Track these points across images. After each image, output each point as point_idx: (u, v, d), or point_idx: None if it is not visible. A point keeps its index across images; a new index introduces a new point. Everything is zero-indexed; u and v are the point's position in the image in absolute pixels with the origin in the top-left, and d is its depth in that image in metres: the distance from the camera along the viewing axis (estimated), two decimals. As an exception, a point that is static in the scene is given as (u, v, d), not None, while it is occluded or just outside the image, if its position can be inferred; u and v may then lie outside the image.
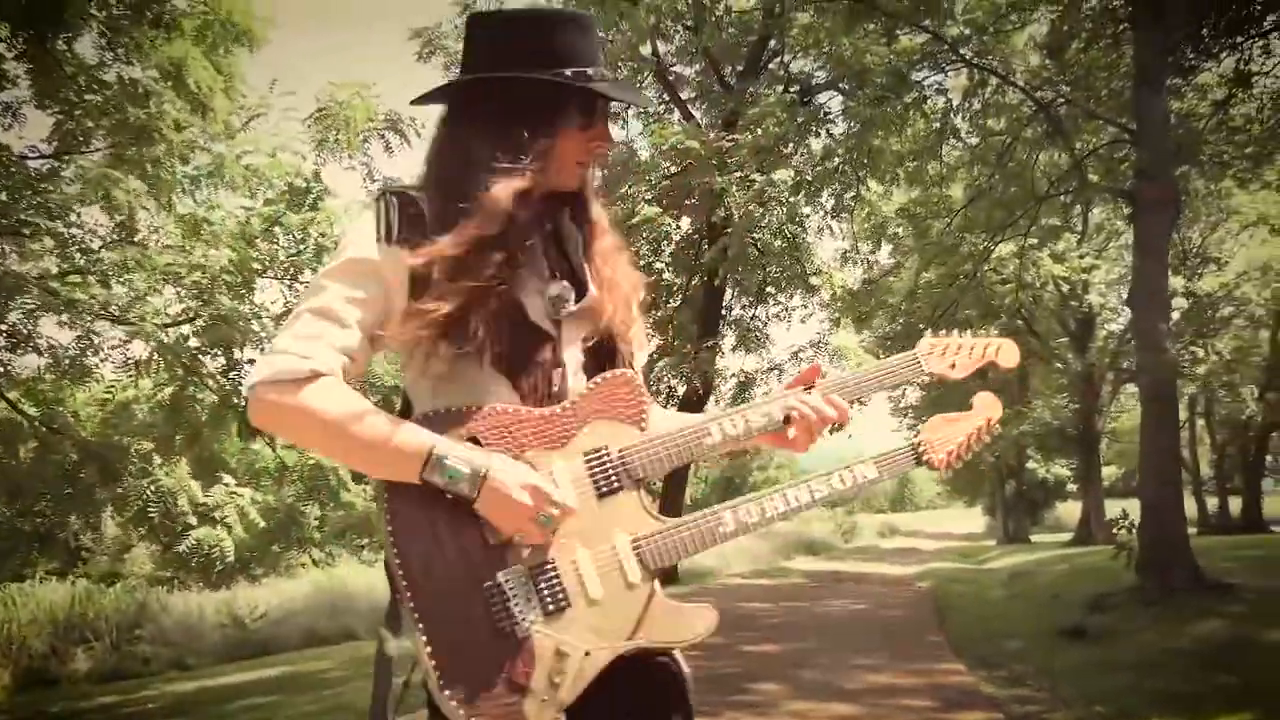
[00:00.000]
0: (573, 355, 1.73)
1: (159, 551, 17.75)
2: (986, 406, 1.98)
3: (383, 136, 10.36)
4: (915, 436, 1.93)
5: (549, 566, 1.57)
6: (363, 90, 10.04)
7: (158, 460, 11.43)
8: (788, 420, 1.81)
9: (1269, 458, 33.50)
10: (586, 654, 1.55)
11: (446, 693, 1.50)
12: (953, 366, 2.00)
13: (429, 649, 1.51)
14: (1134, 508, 11.03)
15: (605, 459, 1.65)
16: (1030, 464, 34.38)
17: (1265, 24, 12.12)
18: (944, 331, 2.05)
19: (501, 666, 1.52)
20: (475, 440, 1.58)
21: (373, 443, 1.54)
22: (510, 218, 1.62)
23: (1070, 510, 37.06)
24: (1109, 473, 37.16)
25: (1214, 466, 32.57)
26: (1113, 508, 18.75)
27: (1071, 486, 36.11)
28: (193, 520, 12.52)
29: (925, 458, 1.90)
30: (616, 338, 1.78)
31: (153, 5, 9.78)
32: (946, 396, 30.20)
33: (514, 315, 1.63)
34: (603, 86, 1.71)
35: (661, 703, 1.70)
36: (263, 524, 14.91)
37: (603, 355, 1.76)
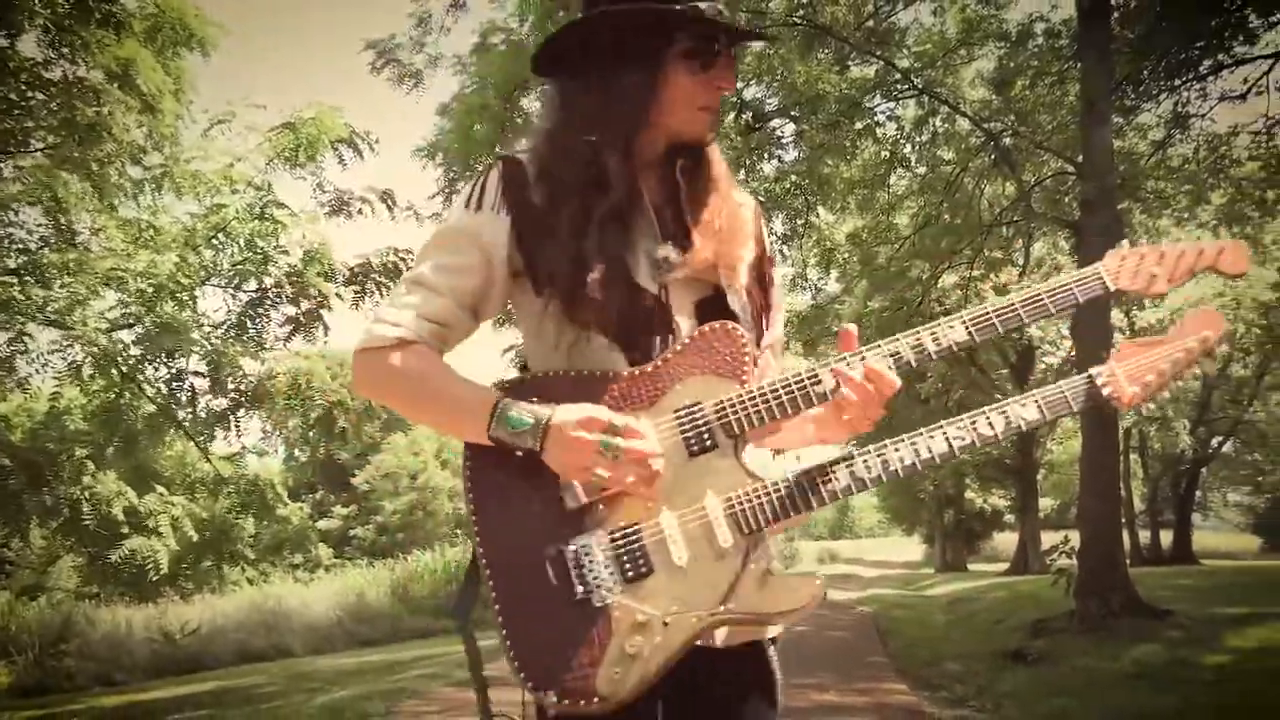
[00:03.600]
0: (686, 320, 1.62)
1: (86, 564, 17.29)
2: (1203, 322, 1.55)
3: (335, 149, 10.29)
4: (1098, 372, 1.55)
5: (631, 530, 1.48)
6: (329, 112, 9.97)
7: (91, 468, 11.11)
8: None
9: (1199, 492, 34.25)
10: (666, 624, 1.43)
11: (515, 660, 1.44)
12: (1150, 281, 1.58)
13: (500, 616, 1.46)
14: (1071, 538, 11.20)
15: (698, 414, 1.52)
16: (968, 494, 34.81)
17: (1202, 68, 12.46)
18: (1131, 242, 1.64)
19: (574, 636, 1.44)
20: (544, 401, 1.50)
21: (445, 402, 1.54)
22: (617, 171, 1.57)
23: (1007, 540, 37.56)
24: (1046, 504, 37.73)
25: (1146, 500, 33.23)
26: (1049, 539, 19.02)
27: (1009, 517, 36.61)
28: (125, 530, 12.18)
29: (1108, 391, 1.54)
30: (726, 289, 1.64)
31: (101, 4, 9.61)
32: (893, 421, 30.74)
33: (621, 279, 1.56)
34: (711, 13, 1.59)
35: (753, 698, 1.63)
36: (195, 536, 14.57)
37: (714, 313, 1.62)
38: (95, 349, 9.13)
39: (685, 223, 1.64)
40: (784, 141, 15.21)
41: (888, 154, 15.11)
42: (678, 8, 1.58)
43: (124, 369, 9.60)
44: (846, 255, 17.48)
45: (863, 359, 1.55)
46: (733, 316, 1.61)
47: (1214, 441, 30.04)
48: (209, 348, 9.75)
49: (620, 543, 1.47)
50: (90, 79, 9.57)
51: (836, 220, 17.04)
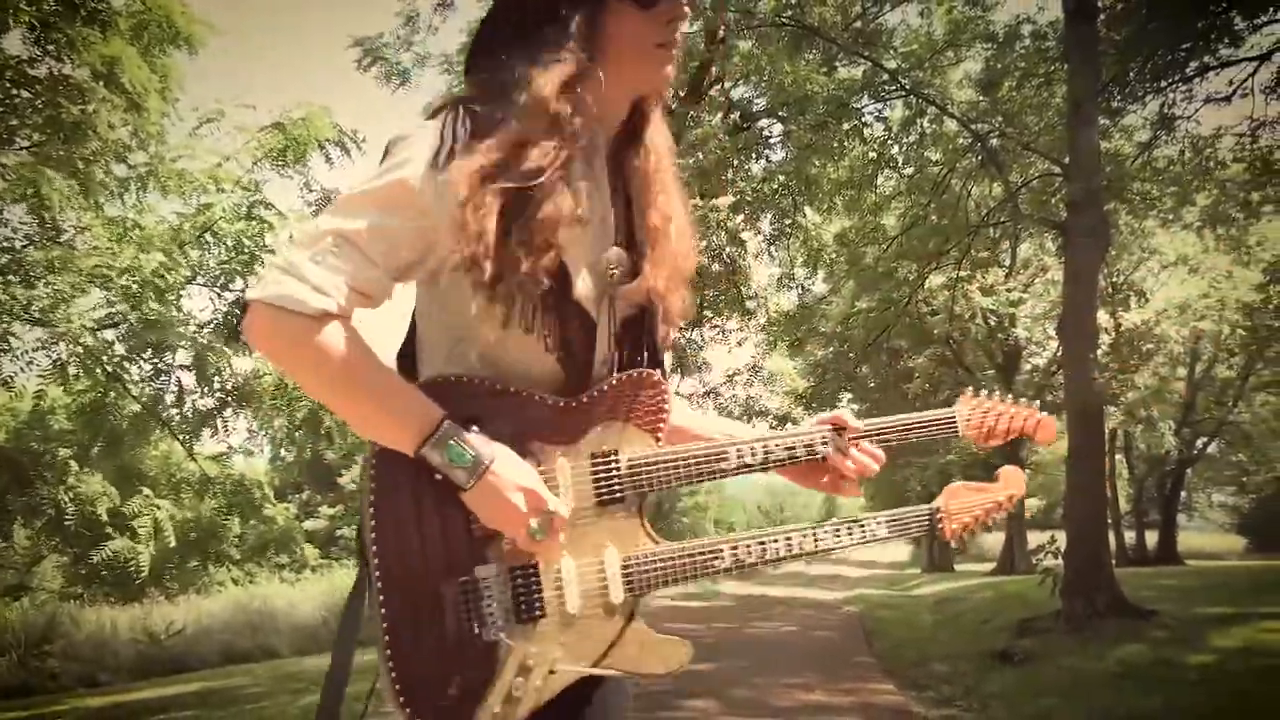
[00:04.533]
0: (609, 334, 1.55)
1: (70, 564, 17.21)
2: (1011, 481, 1.87)
3: (322, 148, 10.25)
4: (936, 505, 1.82)
5: (531, 571, 1.44)
6: (318, 112, 9.93)
7: (75, 467, 11.06)
8: (824, 460, 1.71)
9: (1184, 492, 34.42)
10: (551, 672, 1.42)
11: (396, 685, 1.38)
12: (987, 436, 1.88)
13: (386, 635, 1.39)
14: (1057, 539, 11.24)
15: (613, 466, 1.51)
16: (955, 494, 34.85)
17: (1188, 70, 12.53)
18: (984, 392, 1.92)
19: (459, 668, 1.40)
20: (476, 420, 1.43)
21: (374, 403, 1.40)
22: (555, 114, 1.41)
23: (993, 540, 37.64)
24: (1032, 504, 37.85)
25: (1131, 501, 33.37)
26: (1035, 539, 19.10)
27: (994, 517, 36.69)
28: (110, 530, 12.12)
29: (940, 526, 1.79)
30: (657, 316, 1.59)
31: (87, 2, 9.56)
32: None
33: (554, 275, 1.44)
34: None
35: (613, 688, 1.60)
36: (177, 540, 14.50)
37: (637, 338, 1.58)
38: (80, 348, 9.08)
39: (634, 225, 1.58)
40: (771, 141, 15.24)
41: (875, 154, 15.15)
42: None
43: (109, 368, 9.55)
44: (834, 255, 17.52)
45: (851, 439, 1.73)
46: (655, 339, 1.60)
47: (1199, 442, 30.19)
48: (196, 343, 9.70)
49: (520, 581, 1.44)
50: (76, 77, 9.52)
51: (824, 220, 17.07)
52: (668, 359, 1.71)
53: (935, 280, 17.56)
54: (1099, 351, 12.81)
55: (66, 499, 10.87)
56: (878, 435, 1.76)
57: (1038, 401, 1.97)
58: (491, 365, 1.47)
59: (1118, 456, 31.82)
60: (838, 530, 1.69)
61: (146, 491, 13.04)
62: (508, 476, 1.39)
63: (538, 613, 1.44)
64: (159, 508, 13.11)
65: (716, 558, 1.58)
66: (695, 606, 17.72)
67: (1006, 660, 8.91)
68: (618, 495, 1.51)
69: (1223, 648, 8.27)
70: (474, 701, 1.39)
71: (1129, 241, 22.30)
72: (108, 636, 14.63)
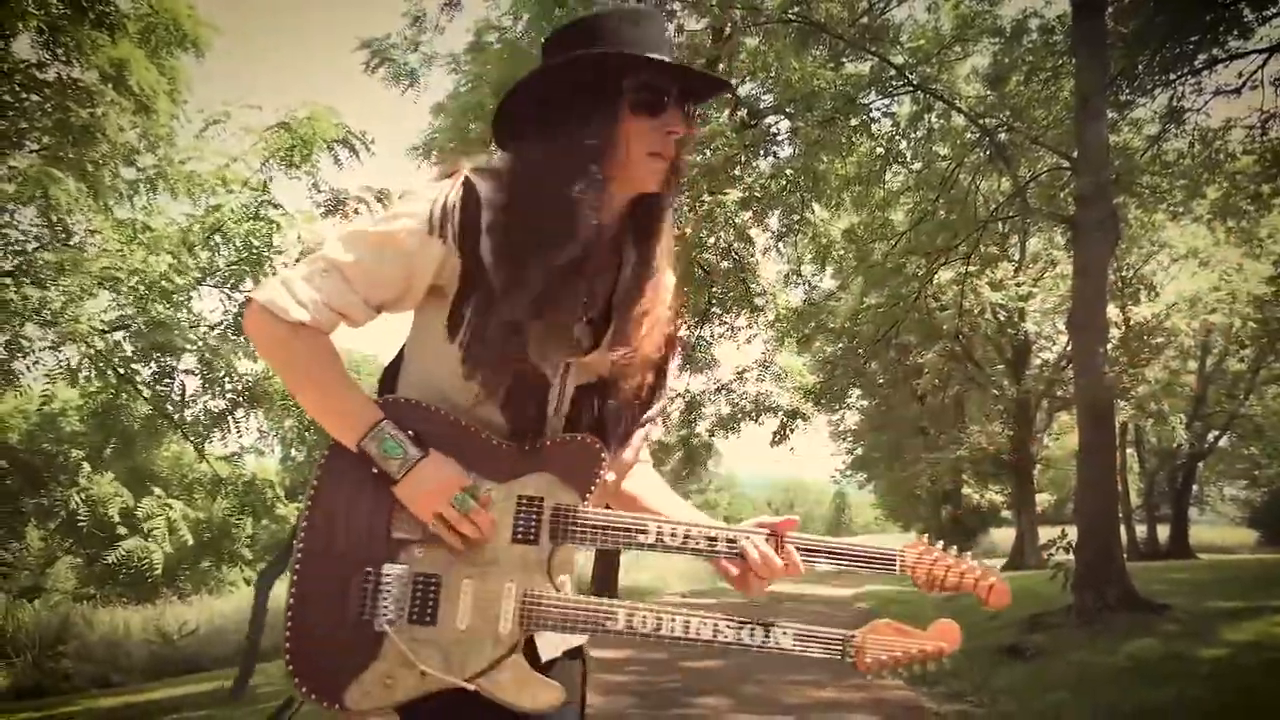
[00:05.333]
0: (563, 394, 1.71)
1: (84, 566, 17.30)
2: (944, 635, 1.78)
3: (331, 149, 10.29)
4: (854, 634, 1.76)
5: (434, 580, 1.58)
6: (324, 113, 9.97)
7: (87, 469, 11.12)
8: (743, 555, 1.72)
9: (1195, 486, 34.31)
10: (423, 674, 1.54)
11: (288, 643, 1.55)
12: (931, 584, 1.81)
13: (292, 599, 1.57)
14: (1068, 533, 11.21)
15: (536, 509, 1.63)
16: (965, 489, 34.85)
17: (1197, 62, 12.46)
18: (940, 543, 1.85)
19: (345, 646, 1.55)
20: (422, 436, 1.60)
21: (329, 396, 1.63)
22: (556, 219, 1.58)
23: (1004, 536, 37.57)
24: (1042, 499, 37.75)
25: (1143, 494, 33.27)
26: (1046, 534, 19.08)
27: (1006, 513, 36.65)
28: (122, 531, 12.19)
29: (852, 657, 1.74)
30: (613, 392, 1.73)
31: (96, 6, 9.60)
32: (886, 415, 30.61)
33: (522, 351, 1.61)
34: (639, 55, 1.60)
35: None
36: (191, 540, 14.58)
37: (589, 399, 1.72)
38: (92, 350, 9.14)
39: (610, 307, 1.71)
40: (779, 138, 15.21)
41: (883, 150, 15.10)
42: (620, 51, 1.60)
43: (119, 370, 9.60)
44: (842, 251, 17.49)
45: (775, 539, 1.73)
46: (606, 409, 1.72)
47: (1210, 436, 30.10)
48: (203, 345, 9.75)
49: (419, 586, 1.58)
50: (84, 80, 9.57)
51: (832, 216, 17.05)
52: (640, 432, 1.83)
53: (944, 275, 17.52)
54: (1109, 346, 12.74)
55: (79, 500, 10.94)
56: (813, 552, 1.78)
57: (995, 565, 1.89)
58: (453, 406, 1.65)
59: (1129, 451, 31.76)
60: (740, 628, 1.69)
61: (159, 492, 13.14)
62: (436, 468, 1.57)
63: (428, 618, 1.57)
64: (171, 508, 13.19)
65: (610, 619, 1.64)
66: (705, 603, 17.73)
67: (1017, 655, 8.90)
68: (532, 538, 1.62)
69: (1234, 641, 8.25)
70: (350, 678, 1.54)
71: (1138, 235, 22.23)
72: (121, 637, 14.70)
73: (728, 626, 1.69)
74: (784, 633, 1.72)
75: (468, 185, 1.61)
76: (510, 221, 1.59)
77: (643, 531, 1.68)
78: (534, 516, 1.63)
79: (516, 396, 1.64)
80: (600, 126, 1.60)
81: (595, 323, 1.70)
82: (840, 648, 1.74)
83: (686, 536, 1.70)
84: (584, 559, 15.41)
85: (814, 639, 1.74)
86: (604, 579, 15.75)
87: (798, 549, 1.75)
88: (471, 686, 1.55)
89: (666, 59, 1.62)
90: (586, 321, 1.69)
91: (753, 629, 1.70)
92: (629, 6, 1.69)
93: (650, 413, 1.85)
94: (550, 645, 1.71)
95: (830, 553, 1.79)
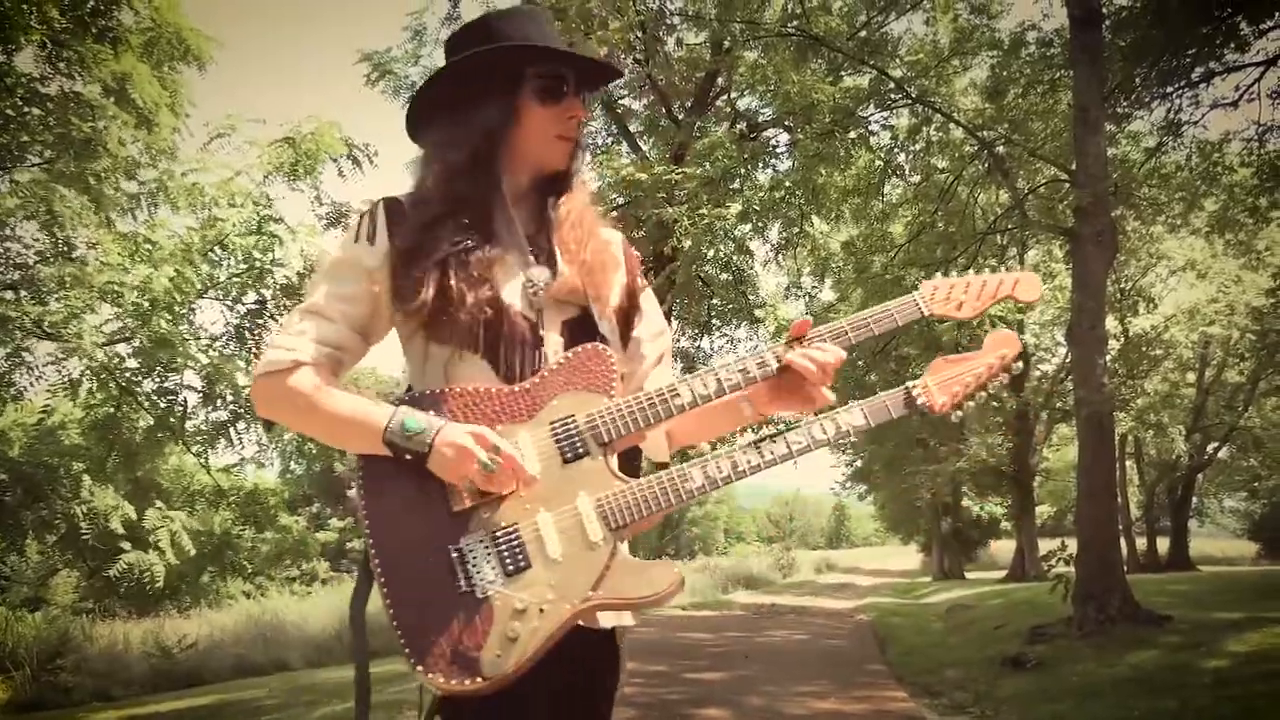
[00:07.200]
0: (555, 338, 1.77)
1: (83, 578, 17.26)
2: (1000, 342, 1.77)
3: (334, 160, 10.31)
4: (914, 384, 1.75)
5: (511, 529, 1.61)
6: (328, 127, 10.00)
7: (88, 481, 11.10)
8: (785, 369, 1.75)
9: (1195, 498, 34.29)
10: (541, 610, 1.57)
11: (406, 650, 1.55)
12: (959, 307, 1.81)
13: (391, 611, 1.57)
14: (1069, 545, 11.22)
15: (571, 426, 1.68)
16: (965, 501, 34.85)
17: (1194, 75, 12.52)
18: (954, 273, 1.87)
19: (460, 624, 1.56)
20: (436, 414, 1.65)
21: (342, 416, 1.66)
22: (453, 193, 1.73)
23: (1004, 548, 37.59)
24: (1042, 511, 37.76)
25: (1142, 507, 33.24)
26: (1046, 545, 19.06)
27: (1005, 525, 36.65)
28: (125, 544, 12.17)
29: (922, 400, 1.74)
30: (595, 315, 1.80)
31: (98, 20, 9.65)
32: (885, 428, 30.60)
33: (493, 303, 1.70)
34: (540, 45, 1.77)
35: (594, 672, 1.78)
36: (193, 550, 14.56)
37: (582, 334, 1.78)
38: (94, 363, 9.13)
39: (554, 251, 1.82)
40: (778, 151, 15.29)
41: (882, 163, 15.16)
42: (518, 44, 1.77)
43: (121, 382, 9.60)
44: (841, 264, 17.53)
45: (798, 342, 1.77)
46: (600, 337, 1.78)
47: (1210, 447, 30.09)
48: (205, 361, 9.75)
49: (501, 541, 1.61)
50: (87, 94, 9.61)
51: (831, 229, 17.09)
52: (660, 371, 1.94)
53: (943, 288, 17.54)
54: (1108, 357, 12.77)
55: (81, 513, 10.92)
56: (835, 332, 1.80)
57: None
58: (454, 377, 1.72)
59: (1128, 462, 31.75)
60: (809, 428, 1.72)
61: (160, 504, 13.12)
62: (458, 429, 1.60)
63: (523, 564, 1.60)
64: (173, 520, 13.18)
65: (686, 480, 1.69)
66: (706, 616, 17.72)
67: (1019, 666, 8.90)
68: (580, 451, 1.67)
69: (1236, 653, 8.24)
70: (478, 649, 1.55)
71: (1137, 247, 22.28)
72: (120, 651, 14.66)
73: (796, 434, 1.72)
74: (849, 412, 1.74)
75: (388, 199, 1.80)
76: (419, 207, 1.75)
77: (676, 395, 1.72)
78: (573, 431, 1.67)
79: (509, 348, 1.72)
80: (500, 112, 1.77)
81: (549, 262, 1.80)
82: (909, 402, 1.75)
83: (718, 380, 1.74)
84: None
85: (880, 405, 1.75)
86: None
87: (825, 338, 1.79)
88: (595, 600, 1.59)
89: (563, 49, 1.79)
90: (538, 262, 1.79)
91: (821, 424, 1.73)
92: (523, 7, 1.89)
93: (652, 339, 1.94)
94: (610, 616, 1.75)
95: (855, 327, 1.80)
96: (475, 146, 1.75)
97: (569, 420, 1.68)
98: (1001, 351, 1.78)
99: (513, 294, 1.74)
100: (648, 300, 1.97)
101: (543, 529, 1.62)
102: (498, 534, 1.61)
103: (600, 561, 1.61)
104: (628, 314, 1.90)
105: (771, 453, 1.71)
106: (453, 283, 1.67)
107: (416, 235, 1.71)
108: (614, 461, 1.70)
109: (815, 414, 1.77)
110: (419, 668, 1.54)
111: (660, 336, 1.97)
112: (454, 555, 1.60)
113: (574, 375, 1.71)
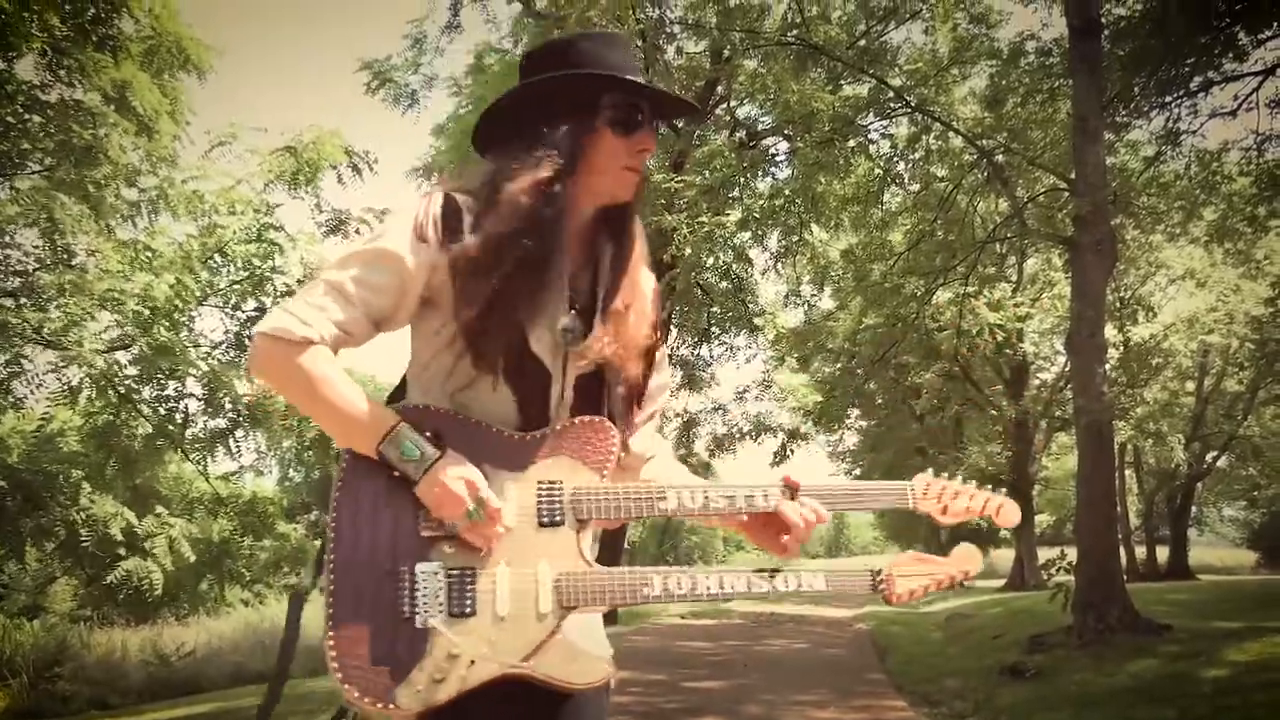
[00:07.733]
0: (567, 393, 1.77)
1: (82, 586, 17.22)
2: (964, 559, 1.89)
3: (334, 168, 10.31)
4: (880, 569, 1.85)
5: (468, 573, 1.61)
6: (329, 136, 10.00)
7: (87, 489, 11.09)
8: (772, 516, 1.80)
9: (1194, 507, 34.26)
10: (472, 662, 1.56)
11: (332, 650, 1.53)
12: (944, 510, 1.92)
13: (330, 608, 1.56)
14: (1068, 554, 11.21)
15: (556, 492, 1.68)
16: (965, 510, 34.76)
17: (1193, 84, 12.55)
18: (944, 474, 1.97)
19: (391, 647, 1.55)
20: (438, 436, 1.65)
21: (344, 409, 1.65)
22: (528, 212, 1.68)
23: (1003, 556, 37.51)
24: (1041, 520, 37.73)
25: (1142, 515, 33.20)
26: (1045, 554, 19.03)
27: (1005, 533, 36.62)
28: (123, 551, 12.15)
29: (882, 589, 1.84)
30: (609, 377, 1.81)
31: (99, 28, 9.67)
32: (884, 436, 30.58)
33: (518, 347, 1.70)
34: (622, 77, 1.74)
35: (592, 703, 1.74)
36: (193, 557, 14.55)
37: (592, 389, 1.79)
38: (93, 370, 9.13)
39: (596, 299, 1.80)
40: (778, 159, 15.31)
41: (881, 171, 15.18)
42: (600, 73, 1.74)
43: (121, 390, 9.59)
44: (841, 272, 17.54)
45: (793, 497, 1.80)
46: (604, 393, 1.80)
47: (1209, 456, 30.04)
48: (205, 369, 9.74)
49: (455, 580, 1.60)
50: (87, 101, 9.62)
51: (830, 237, 17.11)
52: (648, 427, 1.94)
53: (942, 296, 17.53)
54: (1107, 366, 12.77)
55: (80, 520, 10.90)
56: (827, 497, 1.84)
57: (1001, 490, 2.00)
58: (462, 407, 1.71)
59: (1128, 471, 31.72)
60: (774, 577, 1.76)
61: (160, 511, 13.10)
62: (453, 469, 1.60)
63: (469, 610, 1.59)
64: (172, 526, 13.15)
65: (645, 586, 1.70)
66: (705, 624, 17.68)
67: (1018, 675, 8.88)
68: (557, 520, 1.68)
69: (1236, 662, 8.23)
70: (400, 677, 1.54)
71: (1136, 256, 22.29)
72: (118, 659, 14.65)
73: (759, 578, 1.76)
74: (813, 576, 1.80)
75: (447, 196, 1.74)
76: (487, 219, 1.70)
77: (663, 498, 1.75)
78: (556, 499, 1.68)
79: (521, 387, 1.72)
80: (574, 138, 1.74)
81: (583, 314, 1.78)
82: (870, 582, 1.83)
83: (706, 499, 1.77)
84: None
85: (844, 581, 1.82)
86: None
87: (815, 497, 1.83)
88: (524, 669, 1.58)
89: (643, 82, 1.76)
90: (576, 313, 1.77)
91: (785, 576, 1.77)
92: (605, 31, 1.89)
93: (653, 395, 1.93)
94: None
95: (846, 494, 1.87)
96: (557, 167, 1.72)
97: (556, 486, 1.69)
98: (965, 568, 1.89)
99: (540, 335, 1.73)
100: (659, 354, 1.96)
101: (499, 583, 1.61)
102: (454, 571, 1.60)
103: (541, 634, 1.61)
104: (643, 379, 1.89)
105: (731, 586, 1.75)
106: (497, 312, 1.67)
107: (486, 248, 1.68)
108: (586, 539, 1.70)
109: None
110: (339, 674, 1.53)
111: (660, 393, 1.97)
112: (407, 576, 1.59)
113: (574, 443, 1.72)
